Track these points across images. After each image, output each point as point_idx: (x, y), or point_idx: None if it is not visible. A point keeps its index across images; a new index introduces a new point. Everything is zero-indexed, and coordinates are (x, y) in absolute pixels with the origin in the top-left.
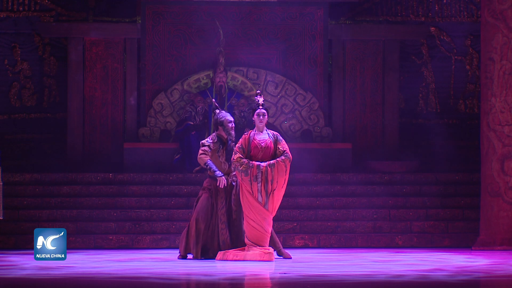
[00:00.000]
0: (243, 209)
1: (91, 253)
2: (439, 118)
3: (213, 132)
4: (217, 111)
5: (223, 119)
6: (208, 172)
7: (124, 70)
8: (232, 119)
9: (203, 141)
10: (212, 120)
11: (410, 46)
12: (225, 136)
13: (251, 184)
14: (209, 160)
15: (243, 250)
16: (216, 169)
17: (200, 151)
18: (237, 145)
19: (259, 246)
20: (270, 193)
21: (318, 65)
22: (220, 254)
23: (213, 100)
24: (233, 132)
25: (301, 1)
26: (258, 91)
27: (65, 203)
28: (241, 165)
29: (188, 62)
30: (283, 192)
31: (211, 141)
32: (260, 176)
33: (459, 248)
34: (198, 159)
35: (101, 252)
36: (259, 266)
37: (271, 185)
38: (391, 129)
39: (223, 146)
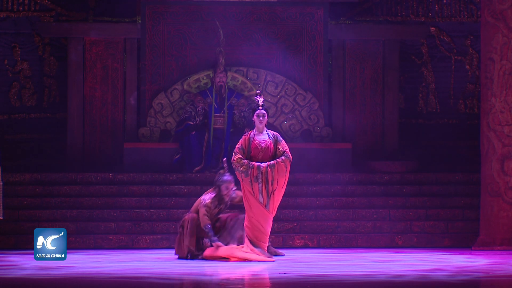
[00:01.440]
0: (245, 209)
1: (91, 253)
2: (439, 118)
3: (214, 190)
4: (221, 171)
5: (221, 184)
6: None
7: (124, 70)
8: (231, 187)
9: (205, 203)
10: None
11: (410, 46)
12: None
13: (251, 184)
14: (208, 225)
15: (242, 247)
16: (213, 235)
17: (203, 211)
18: (237, 146)
19: (259, 246)
20: (271, 194)
21: (318, 65)
22: (209, 250)
23: (224, 159)
24: (227, 199)
25: (301, 1)
26: (258, 91)
27: (65, 203)
28: (241, 166)
29: (188, 62)
30: (283, 192)
31: (210, 201)
32: (260, 176)
33: (459, 248)
34: (200, 218)
35: (101, 252)
36: (259, 266)
37: (272, 185)
38: (391, 129)
39: (219, 206)
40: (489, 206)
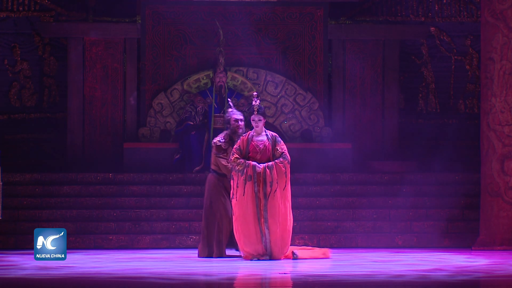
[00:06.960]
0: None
1: (91, 253)
2: (439, 118)
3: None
4: (229, 109)
5: (229, 117)
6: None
7: (124, 70)
8: (239, 117)
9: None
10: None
11: (410, 46)
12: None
13: (244, 183)
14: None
15: None
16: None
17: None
18: (234, 147)
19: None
20: (268, 195)
21: (318, 65)
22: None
23: (229, 100)
24: (240, 131)
25: (301, 1)
26: (255, 93)
27: (65, 203)
28: (238, 165)
29: (188, 62)
30: (288, 195)
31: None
32: (256, 177)
33: (459, 248)
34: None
35: (101, 252)
36: (259, 266)
37: (271, 187)
38: (391, 129)
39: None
40: (489, 206)
